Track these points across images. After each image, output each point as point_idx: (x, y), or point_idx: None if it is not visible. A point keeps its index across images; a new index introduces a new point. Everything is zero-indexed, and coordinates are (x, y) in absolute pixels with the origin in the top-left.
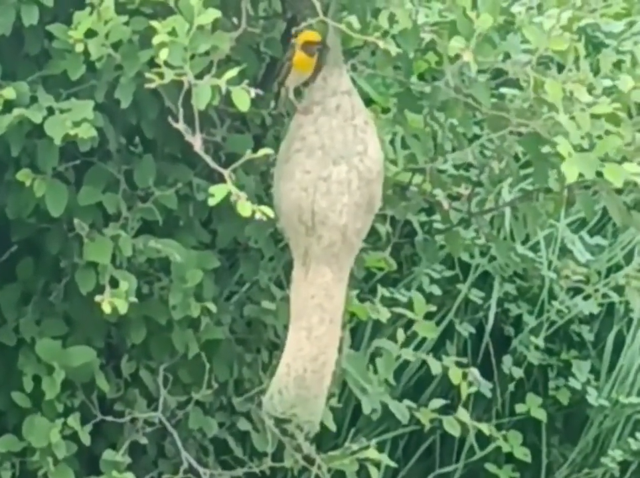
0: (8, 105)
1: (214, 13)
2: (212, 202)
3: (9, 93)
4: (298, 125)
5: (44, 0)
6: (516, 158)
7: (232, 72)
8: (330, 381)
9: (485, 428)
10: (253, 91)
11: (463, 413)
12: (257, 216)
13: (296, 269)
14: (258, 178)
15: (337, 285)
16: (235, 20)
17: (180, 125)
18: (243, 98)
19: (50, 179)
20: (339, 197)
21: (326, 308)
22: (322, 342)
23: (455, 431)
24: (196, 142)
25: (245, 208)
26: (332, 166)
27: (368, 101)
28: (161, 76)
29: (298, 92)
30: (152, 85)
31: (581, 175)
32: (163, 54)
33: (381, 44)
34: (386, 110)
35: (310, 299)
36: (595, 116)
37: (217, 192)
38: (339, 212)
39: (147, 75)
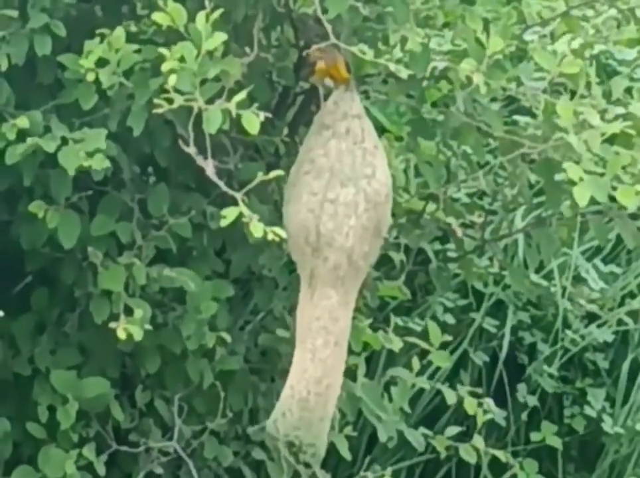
0: (22, 135)
1: (221, 37)
2: (223, 223)
3: (23, 122)
4: (308, 148)
5: (57, 31)
6: (530, 186)
7: (242, 95)
8: (335, 404)
9: (502, 455)
10: (262, 115)
11: (478, 441)
12: (270, 236)
13: (302, 291)
14: (272, 207)
15: (343, 308)
16: (247, 49)
17: (192, 149)
18: (253, 122)
19: (63, 210)
20: (346, 219)
21: (331, 330)
22: (327, 364)
23: (472, 459)
24: (208, 167)
25: (257, 228)
26: (340, 188)
27: (382, 130)
28: (170, 101)
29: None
30: (161, 111)
31: (593, 199)
32: (172, 80)
33: (392, 66)
34: (399, 139)
35: (315, 321)
36: (607, 140)
37: (229, 214)
38: (345, 234)
39: (156, 100)
